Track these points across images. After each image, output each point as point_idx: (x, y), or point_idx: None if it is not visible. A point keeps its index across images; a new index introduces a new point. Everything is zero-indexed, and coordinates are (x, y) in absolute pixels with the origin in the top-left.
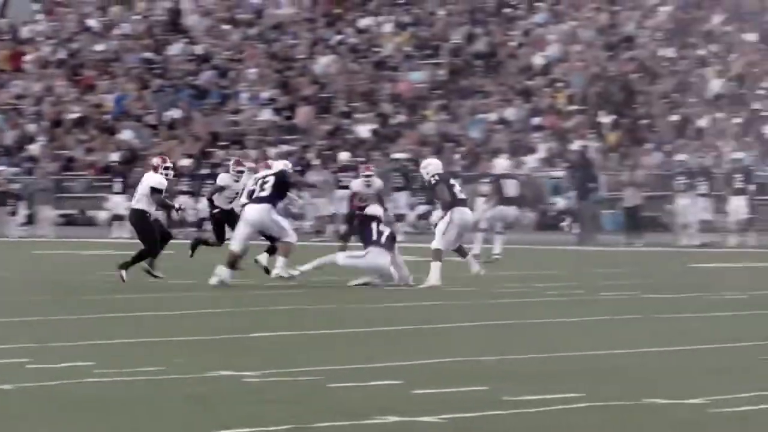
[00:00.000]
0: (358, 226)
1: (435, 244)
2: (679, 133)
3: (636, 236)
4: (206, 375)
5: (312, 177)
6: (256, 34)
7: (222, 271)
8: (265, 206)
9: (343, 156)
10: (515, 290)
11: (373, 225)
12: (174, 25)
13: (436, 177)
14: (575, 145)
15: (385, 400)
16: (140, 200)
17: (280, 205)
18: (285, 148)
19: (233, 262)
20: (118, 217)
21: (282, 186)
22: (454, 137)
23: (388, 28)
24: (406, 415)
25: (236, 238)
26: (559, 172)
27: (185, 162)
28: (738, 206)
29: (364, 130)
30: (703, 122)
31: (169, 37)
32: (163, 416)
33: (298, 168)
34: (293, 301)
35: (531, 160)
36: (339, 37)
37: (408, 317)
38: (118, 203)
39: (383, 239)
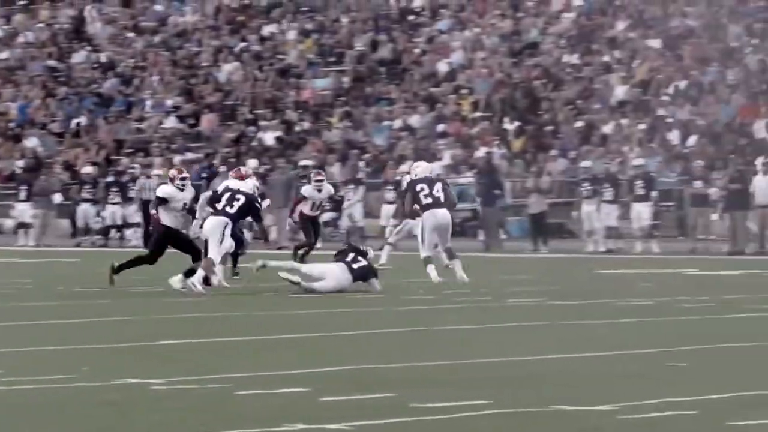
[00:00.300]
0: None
1: (422, 252)
2: (584, 139)
3: (542, 243)
4: (114, 383)
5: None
6: (159, 42)
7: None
8: (222, 219)
9: (252, 163)
10: (424, 297)
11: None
12: (78, 33)
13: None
14: (480, 152)
15: (293, 408)
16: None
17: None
18: (190, 155)
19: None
20: (23, 225)
21: (249, 211)
22: (359, 144)
23: (291, 35)
24: (314, 422)
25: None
26: (464, 179)
27: (89, 170)
28: (641, 213)
29: (269, 138)
30: (607, 128)
31: (73, 45)
32: (73, 424)
33: (206, 176)
34: (201, 308)
35: (436, 167)
36: (243, 45)
37: (318, 324)
38: (23, 211)
39: (349, 258)
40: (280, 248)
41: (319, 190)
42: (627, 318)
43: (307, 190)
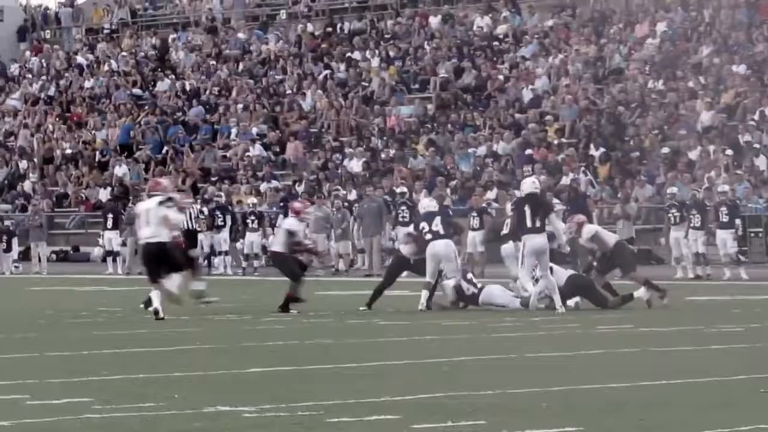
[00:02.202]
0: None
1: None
2: (670, 165)
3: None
4: (205, 410)
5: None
6: (243, 70)
7: None
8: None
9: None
10: (514, 324)
11: None
12: (162, 61)
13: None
14: (567, 179)
15: None
16: (276, 243)
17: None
18: (275, 183)
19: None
20: (111, 253)
21: None
22: (445, 171)
23: (375, 62)
24: None
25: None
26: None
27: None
28: (725, 240)
29: (354, 165)
30: (693, 154)
31: (157, 74)
32: None
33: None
34: (290, 336)
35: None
36: (326, 72)
37: (405, 351)
38: (111, 239)
39: None
40: (368, 276)
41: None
42: (717, 344)
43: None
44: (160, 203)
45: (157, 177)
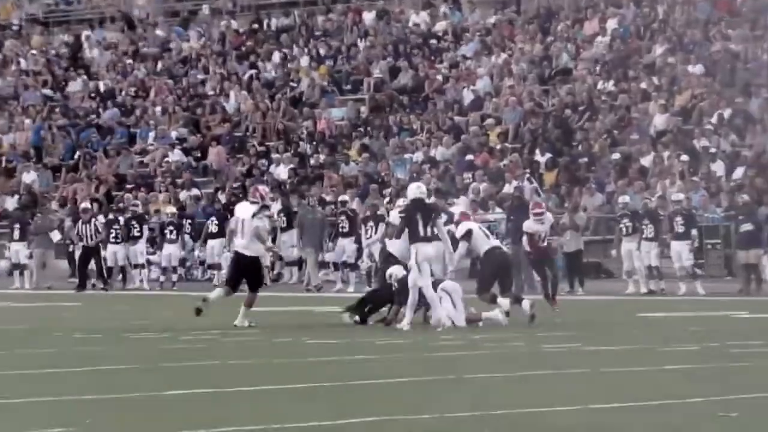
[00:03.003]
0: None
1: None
2: (621, 172)
3: (578, 284)
4: None
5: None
6: (162, 69)
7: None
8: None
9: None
10: (453, 343)
11: None
12: (74, 60)
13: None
14: (510, 186)
15: None
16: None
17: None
18: (196, 191)
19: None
20: (18, 266)
21: None
22: (379, 178)
23: (304, 61)
24: None
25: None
26: (493, 216)
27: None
28: (680, 252)
29: (282, 171)
30: (646, 161)
31: (69, 73)
32: None
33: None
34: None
35: (460, 202)
36: (252, 72)
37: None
38: (17, 251)
39: None
40: (308, 290)
41: (542, 222)
42: (671, 365)
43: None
44: (254, 215)
45: (257, 184)
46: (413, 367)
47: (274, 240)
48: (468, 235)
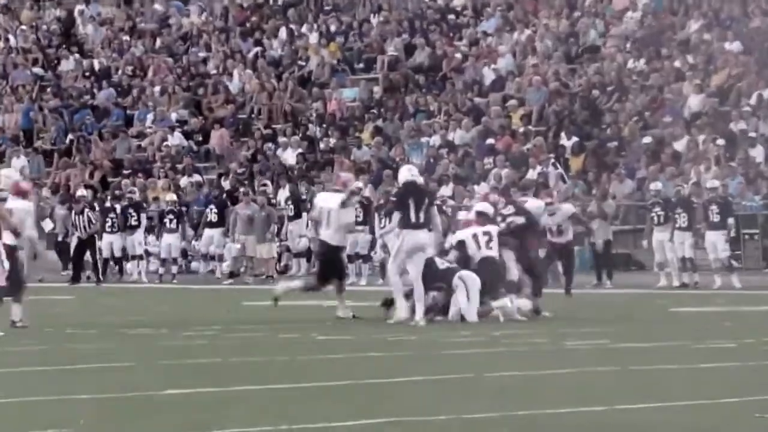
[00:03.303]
0: None
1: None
2: (653, 157)
3: (606, 276)
4: None
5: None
6: (161, 47)
7: None
8: None
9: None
10: (471, 340)
11: None
12: (67, 36)
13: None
14: (534, 172)
15: None
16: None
17: None
18: (198, 177)
19: None
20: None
21: None
22: (393, 163)
23: (313, 38)
24: None
25: None
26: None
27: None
28: (715, 242)
29: (289, 156)
30: (680, 145)
31: (61, 51)
32: None
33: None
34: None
35: (482, 189)
36: (257, 50)
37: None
38: None
39: None
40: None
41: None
42: (706, 363)
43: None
44: (344, 203)
45: (339, 171)
46: (427, 365)
47: (280, 230)
48: (460, 245)
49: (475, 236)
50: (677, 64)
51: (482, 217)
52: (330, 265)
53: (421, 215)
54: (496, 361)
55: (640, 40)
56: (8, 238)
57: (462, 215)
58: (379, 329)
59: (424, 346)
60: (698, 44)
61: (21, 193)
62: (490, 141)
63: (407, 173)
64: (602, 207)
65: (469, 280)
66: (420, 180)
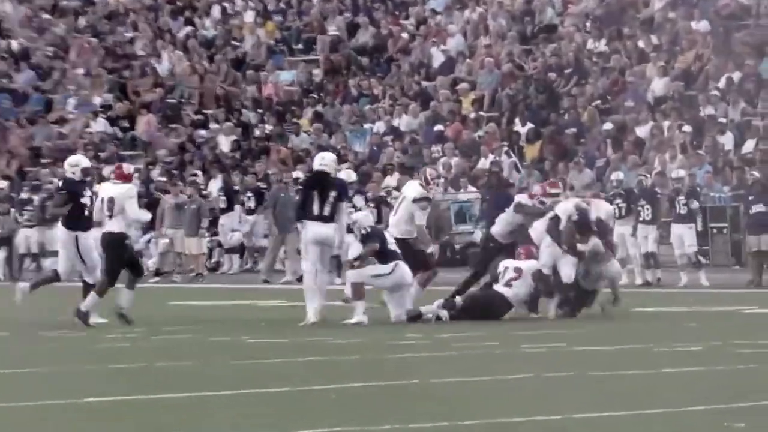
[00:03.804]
0: None
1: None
2: (614, 145)
3: None
4: None
5: None
6: (85, 26)
7: None
8: None
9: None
10: (415, 343)
11: None
12: None
13: None
14: (486, 161)
15: None
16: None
17: None
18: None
19: None
20: None
21: None
22: (334, 152)
23: (249, 17)
24: None
25: None
26: (465, 195)
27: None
28: (682, 236)
29: (222, 143)
30: (643, 131)
31: None
32: None
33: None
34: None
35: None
36: (188, 30)
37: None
38: None
39: None
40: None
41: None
42: (670, 367)
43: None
44: (416, 200)
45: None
46: (369, 371)
47: (211, 224)
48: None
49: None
50: (640, 44)
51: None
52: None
53: (327, 208)
54: (444, 366)
55: (600, 19)
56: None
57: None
58: (320, 331)
59: (369, 350)
60: (663, 23)
61: (123, 177)
62: (439, 127)
63: (319, 161)
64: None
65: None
66: (332, 170)
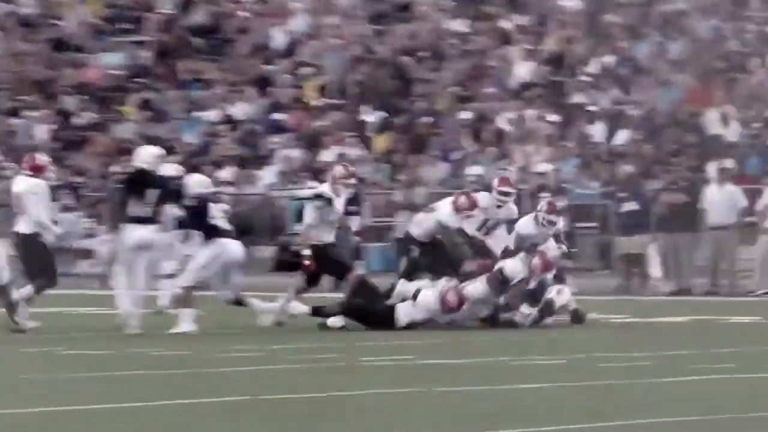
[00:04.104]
0: None
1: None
2: (473, 136)
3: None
4: None
5: None
6: None
7: None
8: None
9: None
10: (248, 355)
11: None
12: None
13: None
14: (330, 153)
15: None
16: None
17: None
18: None
19: None
20: None
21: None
22: (163, 142)
23: None
24: None
25: None
26: (306, 191)
27: None
28: None
29: (39, 132)
30: (504, 121)
31: None
32: None
33: None
34: None
35: (267, 174)
36: (3, 7)
37: None
38: None
39: None
40: None
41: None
42: (528, 383)
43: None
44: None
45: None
46: (192, 387)
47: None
48: None
49: None
50: (503, 24)
51: None
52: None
53: (148, 208)
54: (276, 380)
55: None
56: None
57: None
58: (149, 342)
59: (193, 364)
60: (529, 1)
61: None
62: (279, 116)
63: (140, 158)
64: (410, 196)
65: None
66: (152, 166)
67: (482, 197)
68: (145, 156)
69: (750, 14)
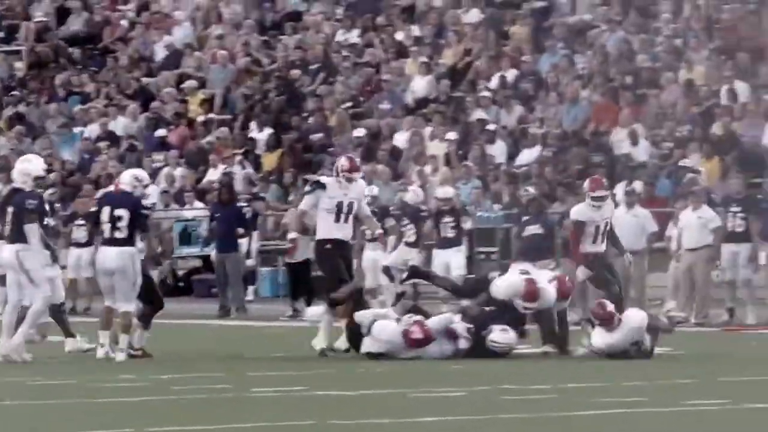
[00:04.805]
0: None
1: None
2: (367, 154)
3: (304, 305)
4: None
5: None
6: None
7: None
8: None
9: None
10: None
11: None
12: None
13: None
14: (216, 172)
15: None
16: None
17: None
18: None
19: None
20: None
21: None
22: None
23: None
24: None
25: None
26: (191, 212)
27: None
28: (449, 263)
29: None
30: (401, 139)
31: None
32: None
33: None
34: None
35: (151, 194)
36: None
37: None
38: None
39: None
40: None
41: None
42: (427, 416)
43: None
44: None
45: None
46: (83, 417)
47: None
48: None
49: None
50: (399, 36)
51: None
52: None
53: (7, 227)
54: (163, 413)
55: (352, 6)
56: None
57: None
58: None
59: (76, 394)
60: (426, 12)
61: None
62: (162, 132)
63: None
64: (301, 218)
65: None
66: (24, 184)
67: None
68: (27, 167)
69: (659, 26)
